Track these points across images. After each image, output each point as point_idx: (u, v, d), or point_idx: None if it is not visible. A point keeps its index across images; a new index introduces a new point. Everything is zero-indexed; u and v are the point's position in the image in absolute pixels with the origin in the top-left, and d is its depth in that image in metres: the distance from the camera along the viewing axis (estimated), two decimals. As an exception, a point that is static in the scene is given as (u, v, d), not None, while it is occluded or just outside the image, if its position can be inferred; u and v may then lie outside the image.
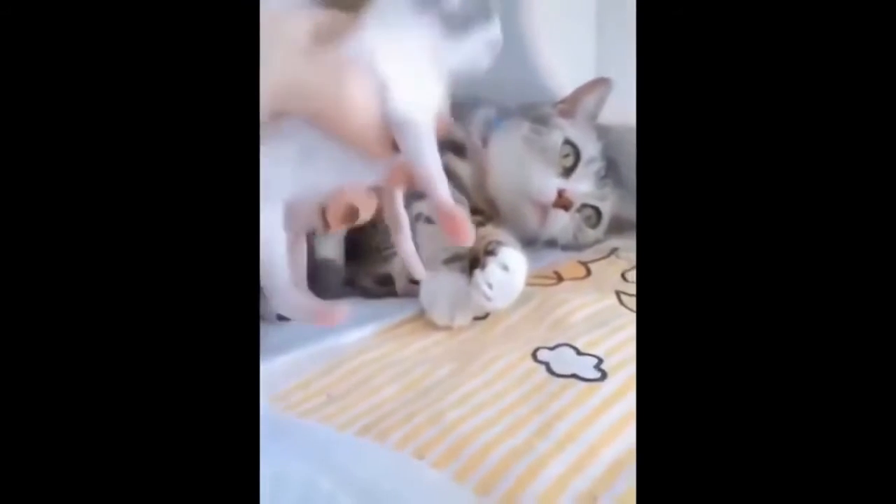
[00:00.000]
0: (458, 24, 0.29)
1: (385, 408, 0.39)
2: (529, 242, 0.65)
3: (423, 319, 0.51)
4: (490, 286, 0.48)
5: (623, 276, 0.60)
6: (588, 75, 0.72)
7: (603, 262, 0.64)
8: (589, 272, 0.62)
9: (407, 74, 0.28)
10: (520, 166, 0.63)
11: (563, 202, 0.63)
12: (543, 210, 0.63)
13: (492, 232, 0.56)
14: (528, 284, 0.57)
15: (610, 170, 0.68)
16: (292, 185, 0.29)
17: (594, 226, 0.67)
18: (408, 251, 0.35)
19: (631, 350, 0.44)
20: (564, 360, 0.43)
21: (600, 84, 0.69)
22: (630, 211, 0.70)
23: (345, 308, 0.30)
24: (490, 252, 0.50)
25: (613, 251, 0.66)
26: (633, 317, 0.50)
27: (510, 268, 0.49)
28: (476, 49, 0.30)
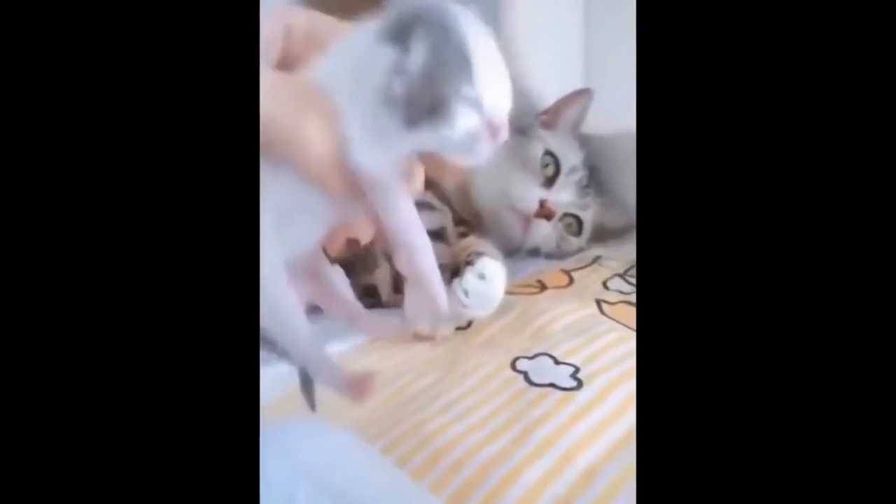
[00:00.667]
0: (404, 114, 0.23)
1: (370, 417, 0.40)
2: (512, 252, 0.66)
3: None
4: (466, 294, 0.50)
5: (604, 284, 0.61)
6: (573, 85, 0.74)
7: (585, 270, 0.66)
8: (571, 280, 0.63)
9: (368, 129, 0.24)
10: (502, 177, 0.64)
11: (544, 212, 0.64)
12: (525, 220, 0.64)
13: (474, 242, 0.57)
14: (511, 293, 0.59)
15: (592, 178, 0.70)
16: (282, 248, 0.26)
17: (576, 234, 0.69)
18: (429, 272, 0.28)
19: (608, 358, 0.45)
20: (542, 370, 0.44)
21: (582, 95, 0.71)
22: (612, 219, 0.71)
23: (375, 380, 0.27)
24: (469, 262, 0.51)
25: (596, 259, 0.68)
26: (612, 325, 0.51)
27: (487, 276, 0.51)
28: (428, 143, 0.24)
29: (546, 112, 0.71)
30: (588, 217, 0.69)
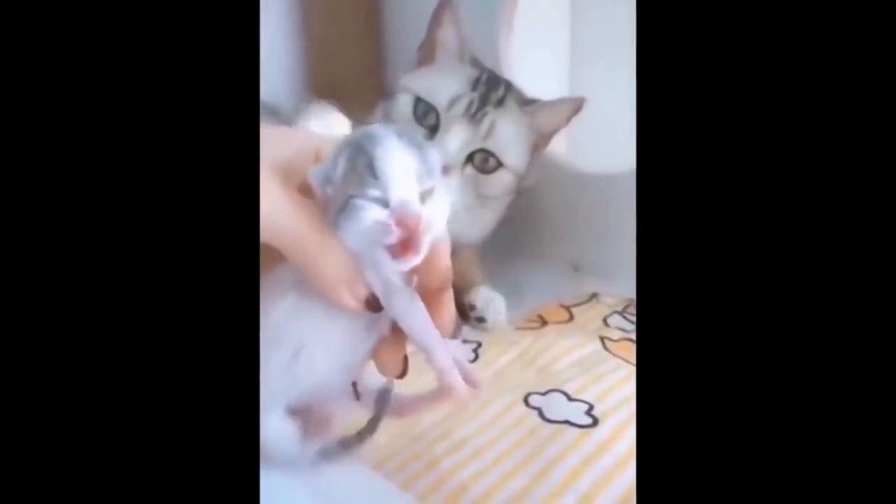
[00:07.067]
0: (329, 217, 0.28)
1: (383, 452, 0.39)
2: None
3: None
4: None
5: (604, 321, 0.61)
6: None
7: (584, 306, 0.66)
8: (572, 316, 0.63)
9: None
10: None
11: None
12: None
13: None
14: (514, 328, 0.59)
15: (490, 90, 0.55)
16: (292, 388, 0.31)
17: (495, 168, 0.55)
18: (444, 367, 0.31)
19: (619, 396, 0.45)
20: (556, 406, 0.44)
21: (441, 8, 0.56)
22: (552, 118, 0.58)
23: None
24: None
25: (594, 296, 0.68)
26: (617, 362, 0.51)
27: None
28: (348, 238, 0.28)
29: (420, 47, 0.58)
30: (502, 138, 0.55)
